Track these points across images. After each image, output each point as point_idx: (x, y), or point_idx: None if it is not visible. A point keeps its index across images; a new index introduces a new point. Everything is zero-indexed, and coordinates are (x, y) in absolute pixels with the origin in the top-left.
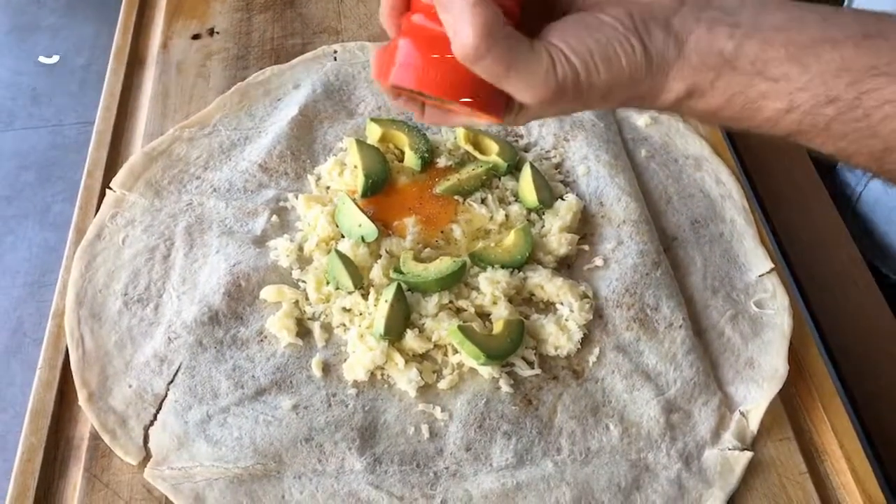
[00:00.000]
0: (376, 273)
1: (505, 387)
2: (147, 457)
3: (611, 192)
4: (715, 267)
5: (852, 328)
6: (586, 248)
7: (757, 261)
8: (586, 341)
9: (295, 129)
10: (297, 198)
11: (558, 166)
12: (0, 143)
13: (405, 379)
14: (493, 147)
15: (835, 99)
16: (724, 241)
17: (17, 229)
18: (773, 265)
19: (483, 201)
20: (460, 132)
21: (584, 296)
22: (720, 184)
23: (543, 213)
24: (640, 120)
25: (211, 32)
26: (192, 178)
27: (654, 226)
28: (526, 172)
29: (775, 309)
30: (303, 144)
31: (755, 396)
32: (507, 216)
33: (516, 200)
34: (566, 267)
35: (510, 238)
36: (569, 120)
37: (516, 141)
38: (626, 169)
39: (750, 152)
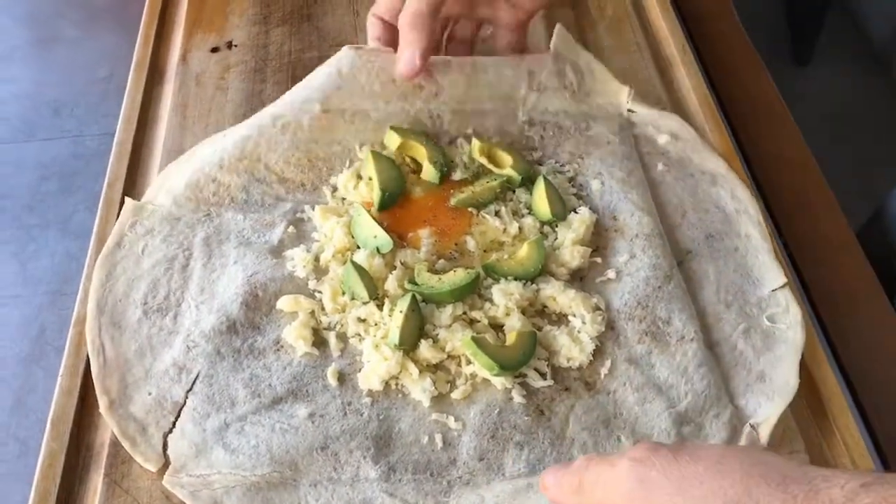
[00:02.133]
0: (391, 284)
1: (518, 397)
2: (166, 464)
3: (624, 206)
4: (728, 281)
5: (864, 344)
6: (599, 260)
7: (770, 275)
8: (598, 353)
9: (314, 131)
10: (313, 209)
11: (572, 180)
12: (22, 153)
13: (419, 388)
14: (508, 160)
15: None
16: (739, 256)
17: (39, 238)
18: (785, 280)
19: (497, 214)
20: (475, 145)
21: (597, 308)
22: (735, 199)
23: (556, 226)
24: (660, 139)
25: (229, 45)
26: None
27: (667, 239)
28: (539, 186)
29: (788, 323)
30: (320, 148)
31: (766, 410)
32: (520, 229)
33: (529, 213)
34: (578, 279)
35: (523, 250)
36: (584, 139)
37: (530, 154)
38: (639, 184)
39: (762, 168)
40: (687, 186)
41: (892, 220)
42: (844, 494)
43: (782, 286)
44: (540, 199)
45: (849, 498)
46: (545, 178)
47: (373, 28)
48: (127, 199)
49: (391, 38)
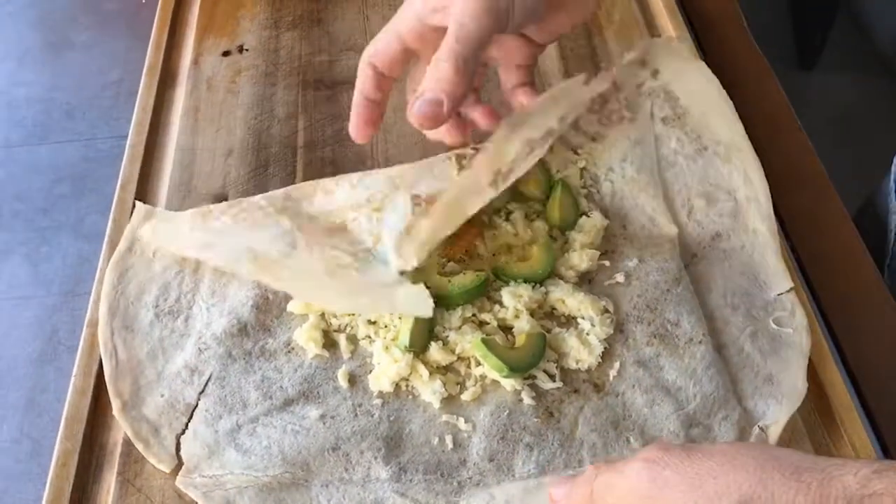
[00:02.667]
0: None
1: (527, 399)
2: (179, 464)
3: (634, 216)
4: (735, 283)
5: (871, 346)
6: (607, 263)
7: (777, 279)
8: (607, 355)
9: None
10: None
11: (582, 172)
12: (35, 156)
13: (429, 390)
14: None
15: None
16: (745, 255)
17: (52, 240)
18: (791, 284)
19: (508, 219)
20: None
21: (605, 311)
22: (748, 182)
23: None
24: (682, 99)
25: (240, 49)
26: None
27: (676, 242)
28: (556, 192)
29: (794, 327)
30: None
31: (775, 412)
32: (530, 232)
33: (538, 217)
34: (587, 282)
35: (532, 253)
36: (597, 106)
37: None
38: (650, 184)
39: (771, 174)
40: (698, 169)
41: (882, 208)
42: (858, 481)
43: (788, 290)
44: (554, 202)
45: (862, 484)
46: (563, 184)
47: (366, 81)
48: (138, 204)
49: (383, 96)
